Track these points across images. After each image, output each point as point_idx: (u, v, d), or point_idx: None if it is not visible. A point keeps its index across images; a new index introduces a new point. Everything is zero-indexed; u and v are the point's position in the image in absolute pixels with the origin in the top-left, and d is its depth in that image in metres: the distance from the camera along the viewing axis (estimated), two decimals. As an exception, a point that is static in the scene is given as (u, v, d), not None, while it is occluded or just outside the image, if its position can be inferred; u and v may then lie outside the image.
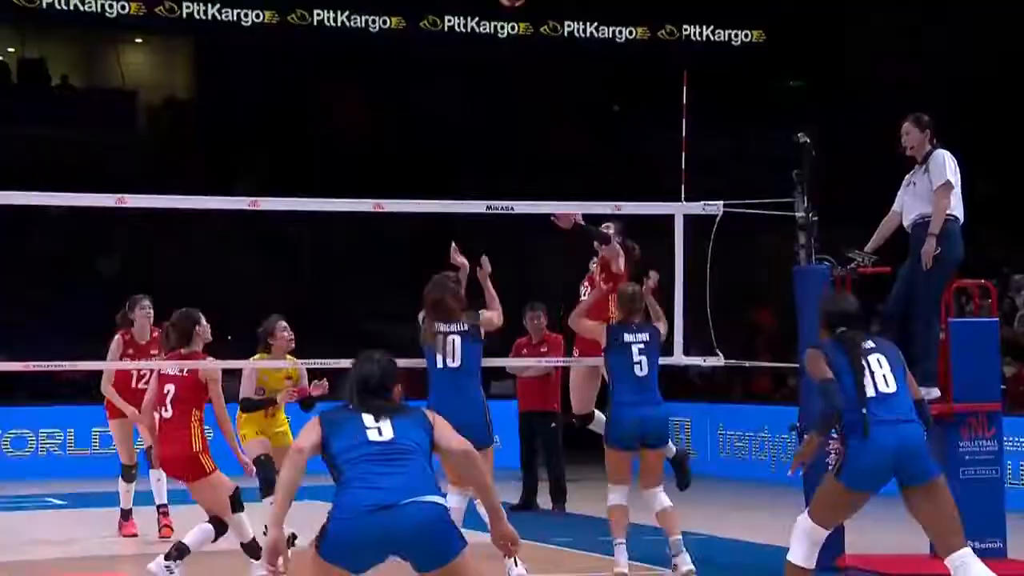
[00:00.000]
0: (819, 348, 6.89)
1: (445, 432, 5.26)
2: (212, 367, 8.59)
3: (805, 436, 7.14)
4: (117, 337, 10.49)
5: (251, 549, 8.55)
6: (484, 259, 8.59)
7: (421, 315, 8.35)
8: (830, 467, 6.88)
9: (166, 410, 8.52)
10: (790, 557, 6.82)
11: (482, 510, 7.35)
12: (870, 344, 6.84)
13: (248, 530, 8.55)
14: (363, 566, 5.03)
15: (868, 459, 6.55)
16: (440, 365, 8.17)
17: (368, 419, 5.14)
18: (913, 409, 6.71)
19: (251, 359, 9.75)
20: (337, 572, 4.98)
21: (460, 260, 8.52)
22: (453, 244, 8.55)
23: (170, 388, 8.50)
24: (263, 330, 9.78)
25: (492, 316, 8.42)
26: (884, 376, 6.69)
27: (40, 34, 25.78)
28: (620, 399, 8.54)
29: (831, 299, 7.26)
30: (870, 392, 6.62)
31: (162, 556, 8.37)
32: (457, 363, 8.16)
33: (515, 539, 5.36)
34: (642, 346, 8.54)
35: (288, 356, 9.75)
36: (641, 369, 8.54)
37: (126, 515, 10.72)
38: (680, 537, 8.61)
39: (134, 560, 8.58)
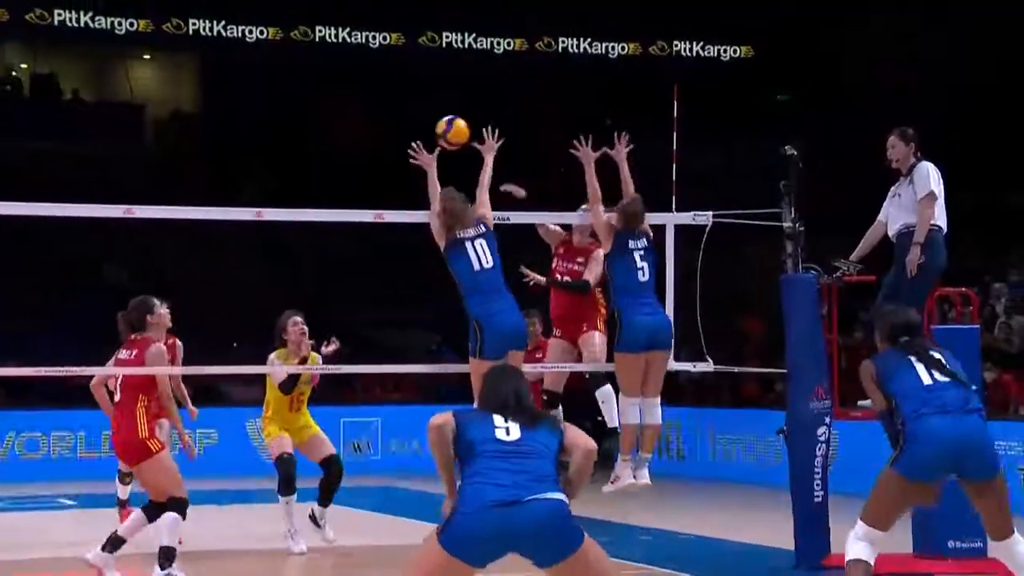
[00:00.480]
0: (872, 361, 6.64)
1: (572, 433, 5.25)
2: (167, 372, 8.52)
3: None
4: None
5: (168, 553, 8.36)
6: (488, 138, 8.46)
7: (435, 222, 8.26)
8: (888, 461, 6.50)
9: (118, 394, 8.50)
10: (848, 556, 6.48)
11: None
12: (932, 347, 6.70)
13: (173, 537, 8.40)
14: (482, 560, 5.00)
15: (925, 447, 6.26)
16: (477, 268, 8.15)
17: (498, 419, 5.18)
18: (974, 401, 6.44)
19: (271, 356, 9.81)
20: (456, 563, 4.95)
21: (424, 159, 8.37)
22: (414, 145, 8.36)
23: (120, 372, 8.44)
24: (278, 327, 9.82)
25: (485, 214, 8.35)
26: (944, 369, 6.47)
27: (51, 50, 25.79)
28: (628, 307, 8.55)
29: (894, 311, 6.96)
30: (927, 380, 6.40)
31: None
32: (491, 263, 8.17)
33: None
34: (642, 252, 8.64)
35: (313, 356, 9.79)
36: (643, 275, 8.61)
37: (123, 504, 10.63)
38: (649, 456, 8.74)
39: (144, 559, 8.57)
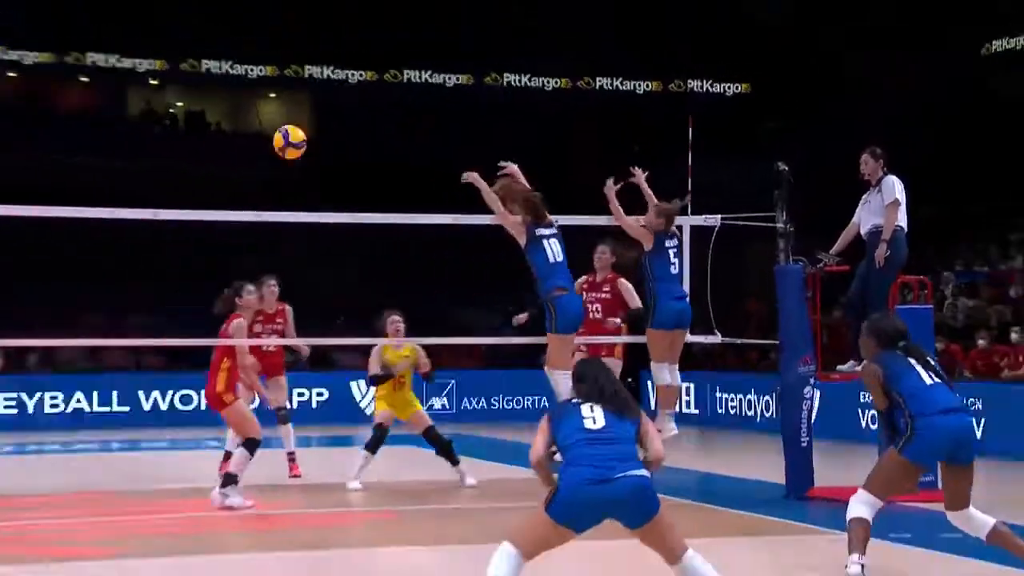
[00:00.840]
0: (878, 364, 6.02)
1: (648, 430, 5.14)
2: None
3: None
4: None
5: (229, 478, 8.42)
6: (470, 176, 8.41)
7: (513, 222, 8.18)
8: (894, 445, 6.00)
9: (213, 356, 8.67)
10: (850, 515, 6.02)
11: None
12: (924, 351, 6.21)
13: (240, 467, 8.44)
14: (583, 526, 4.94)
15: (931, 439, 5.86)
16: (552, 261, 8.12)
17: (586, 409, 5.08)
18: (962, 401, 6.10)
19: (376, 347, 9.74)
20: (560, 530, 4.91)
21: (471, 177, 8.32)
22: (464, 174, 8.33)
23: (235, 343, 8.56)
24: (381, 324, 9.79)
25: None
26: (937, 372, 6.06)
27: (200, 91, 26.19)
28: (665, 293, 8.55)
29: (886, 319, 6.31)
30: (928, 381, 5.97)
31: (218, 487, 8.39)
32: (561, 258, 8.18)
33: None
34: (675, 250, 8.64)
35: (410, 347, 9.74)
36: (675, 268, 8.63)
37: (229, 456, 10.38)
38: (672, 412, 8.73)
39: (262, 490, 8.61)
